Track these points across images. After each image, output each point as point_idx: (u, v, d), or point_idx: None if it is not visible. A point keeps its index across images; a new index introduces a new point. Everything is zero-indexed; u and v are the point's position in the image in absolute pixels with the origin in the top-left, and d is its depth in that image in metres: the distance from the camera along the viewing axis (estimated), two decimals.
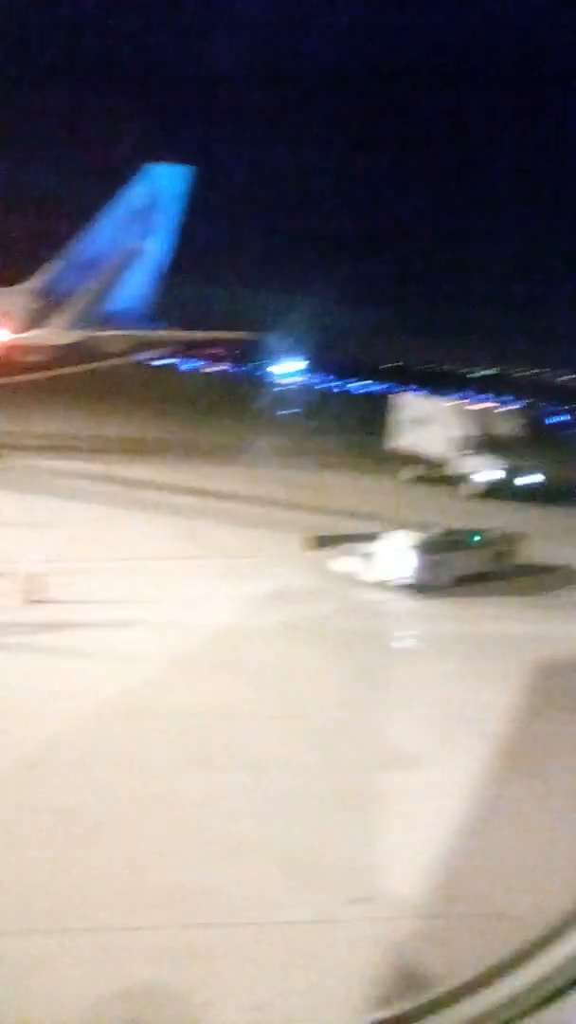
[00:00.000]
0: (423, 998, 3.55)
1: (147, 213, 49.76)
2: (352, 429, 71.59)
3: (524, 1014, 3.16)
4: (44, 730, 14.54)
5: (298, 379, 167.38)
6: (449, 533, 29.17)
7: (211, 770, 13.81)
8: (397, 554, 25.66)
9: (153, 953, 9.49)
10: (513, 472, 47.57)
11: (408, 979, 9.46)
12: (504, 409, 61.71)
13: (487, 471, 47.31)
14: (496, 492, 46.49)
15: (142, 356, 53.74)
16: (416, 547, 25.72)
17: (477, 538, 29.77)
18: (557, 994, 3.17)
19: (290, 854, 11.63)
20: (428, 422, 50.94)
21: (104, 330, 44.97)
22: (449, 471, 49.08)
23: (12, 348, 42.97)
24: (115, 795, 12.73)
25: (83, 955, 9.30)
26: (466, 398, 68.92)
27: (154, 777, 13.41)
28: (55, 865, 10.84)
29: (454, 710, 17.63)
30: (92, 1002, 8.69)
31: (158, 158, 51.35)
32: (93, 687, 16.47)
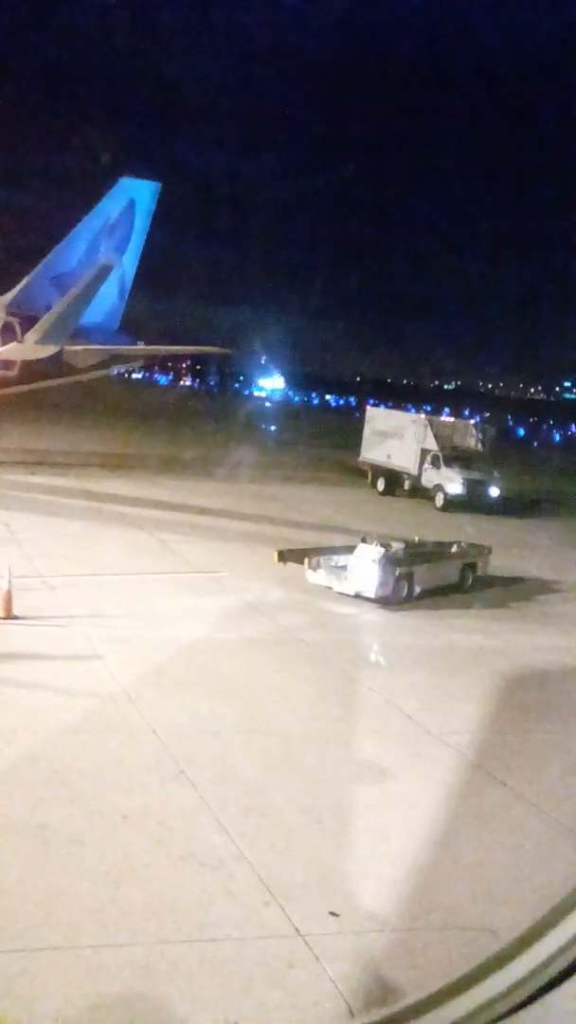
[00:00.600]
0: (397, 1008, 3.69)
1: (120, 227, 49.96)
2: (324, 442, 71.86)
3: (495, 1020, 3.30)
4: (17, 746, 14.58)
5: (272, 393, 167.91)
6: (416, 545, 29.47)
7: (184, 785, 13.90)
8: (367, 567, 25.89)
9: (132, 969, 9.57)
10: (481, 484, 48.14)
11: (382, 991, 9.61)
12: (473, 421, 62.17)
13: (455, 483, 47.78)
14: (465, 504, 46.96)
15: (115, 370, 53.88)
16: (383, 560, 25.96)
17: (444, 550, 30.11)
18: (528, 1000, 3.31)
19: (264, 868, 11.74)
20: (398, 435, 51.46)
21: (77, 344, 45.06)
22: (418, 483, 49.53)
23: None
24: (89, 811, 12.78)
25: (62, 971, 9.37)
26: (435, 410, 69.26)
27: (127, 793, 13.48)
28: (32, 881, 10.90)
29: (420, 722, 17.81)
30: (71, 1018, 8.78)
31: (131, 172, 51.65)
32: (64, 703, 16.51)
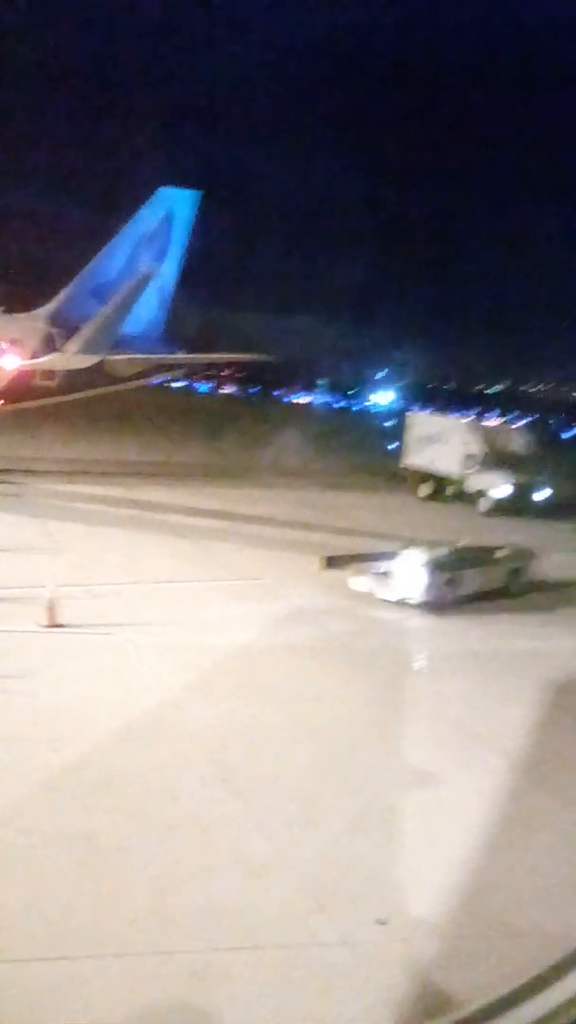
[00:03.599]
0: (449, 1019, 3.60)
1: (160, 236, 50.13)
2: (367, 448, 71.62)
3: None
4: (65, 753, 14.61)
5: (313, 398, 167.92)
6: (462, 550, 29.23)
7: (231, 791, 13.87)
8: (412, 572, 25.73)
9: (180, 976, 9.54)
10: (526, 488, 47.72)
11: (434, 1000, 9.49)
12: (517, 424, 61.76)
13: (500, 487, 47.44)
14: (510, 508, 46.58)
15: (156, 379, 54.03)
16: (428, 565, 25.78)
17: (490, 555, 29.85)
18: None
19: (312, 875, 11.67)
20: (441, 439, 51.18)
21: (118, 354, 45.20)
22: (463, 488, 49.24)
23: (27, 373, 43.25)
24: (136, 819, 12.78)
25: (111, 979, 9.36)
26: (479, 414, 69.00)
27: (173, 800, 13.46)
28: (80, 890, 10.90)
29: (468, 727, 17.66)
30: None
31: (169, 181, 51.81)
32: (110, 711, 16.54)
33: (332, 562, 27.36)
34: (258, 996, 9.34)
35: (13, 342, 44.09)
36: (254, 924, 10.57)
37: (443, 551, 27.03)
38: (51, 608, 20.87)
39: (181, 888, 11.15)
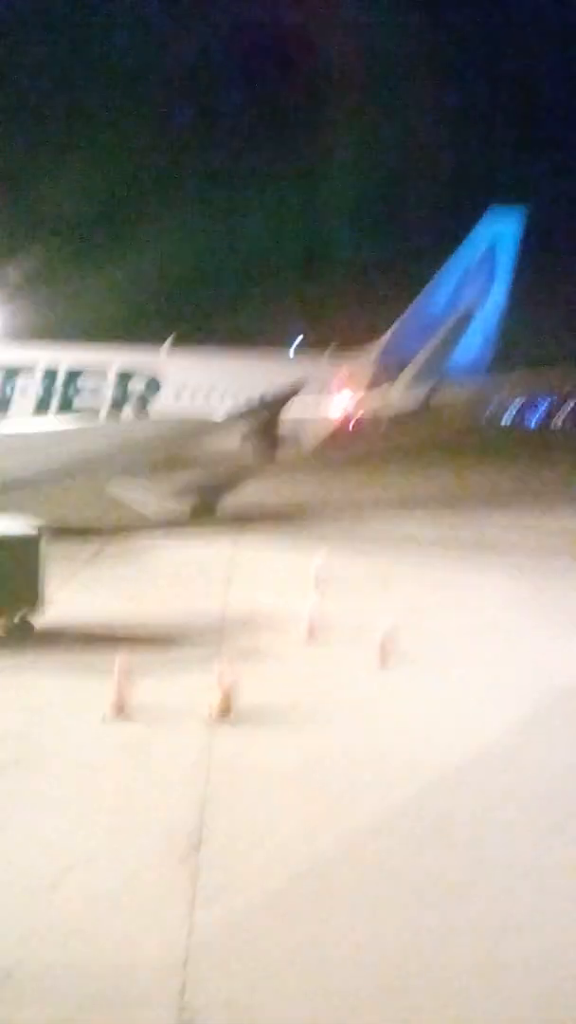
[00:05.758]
0: None
1: (487, 261, 49.53)
2: None
3: None
4: (397, 793, 14.85)
5: None
6: None
7: (566, 838, 13.60)
8: None
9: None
10: None
11: None
12: None
13: None
14: None
15: (486, 408, 53.47)
16: None
17: None
18: None
19: None
20: None
21: (447, 386, 44.87)
22: None
23: (356, 411, 43.75)
24: (472, 859, 12.81)
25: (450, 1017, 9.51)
26: None
27: (510, 843, 13.36)
28: (415, 930, 11.04)
29: None
30: None
31: (496, 200, 50.91)
32: (440, 751, 16.63)
33: None
34: None
35: (345, 381, 44.85)
36: None
37: None
38: (383, 647, 21.20)
39: (516, 935, 11.06)
